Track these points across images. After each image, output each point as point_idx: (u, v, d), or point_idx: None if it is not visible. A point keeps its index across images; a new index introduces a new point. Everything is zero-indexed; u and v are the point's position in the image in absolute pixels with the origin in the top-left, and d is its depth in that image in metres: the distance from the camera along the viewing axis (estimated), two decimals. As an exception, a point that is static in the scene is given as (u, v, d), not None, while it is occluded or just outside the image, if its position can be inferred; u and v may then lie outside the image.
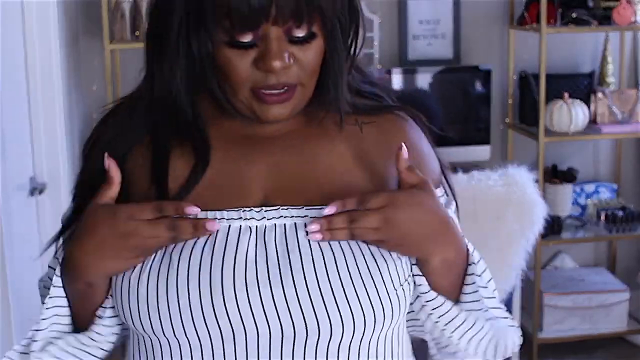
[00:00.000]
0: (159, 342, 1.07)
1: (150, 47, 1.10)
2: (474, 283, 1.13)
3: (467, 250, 1.13)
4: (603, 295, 3.82)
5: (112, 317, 1.12)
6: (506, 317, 1.19)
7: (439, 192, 1.17)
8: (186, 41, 1.05)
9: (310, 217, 1.07)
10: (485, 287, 1.16)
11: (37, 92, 2.76)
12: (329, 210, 1.05)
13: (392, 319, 1.08)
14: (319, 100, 1.12)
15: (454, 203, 1.20)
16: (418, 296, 1.12)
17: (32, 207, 2.75)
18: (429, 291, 1.11)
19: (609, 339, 3.93)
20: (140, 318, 1.05)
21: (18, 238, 2.42)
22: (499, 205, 2.96)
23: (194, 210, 1.04)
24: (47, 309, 1.09)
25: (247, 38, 1.02)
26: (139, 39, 3.35)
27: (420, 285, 1.11)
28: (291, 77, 1.04)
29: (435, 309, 1.13)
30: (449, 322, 1.13)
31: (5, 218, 2.17)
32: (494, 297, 1.18)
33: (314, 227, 1.04)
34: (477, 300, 1.13)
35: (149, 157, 1.10)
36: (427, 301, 1.12)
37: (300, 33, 1.03)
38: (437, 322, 1.14)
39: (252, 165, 1.10)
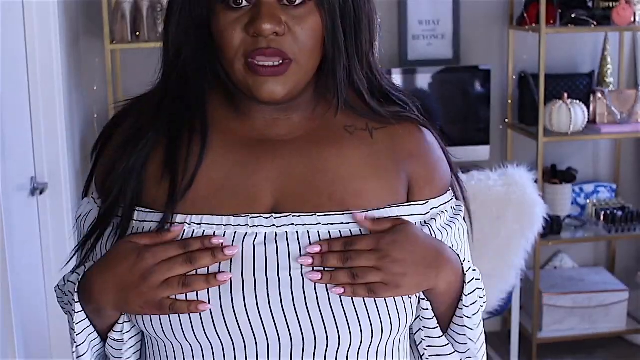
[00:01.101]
0: (172, 345, 1.08)
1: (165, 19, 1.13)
2: (462, 310, 1.13)
3: (463, 268, 1.13)
4: (602, 295, 3.83)
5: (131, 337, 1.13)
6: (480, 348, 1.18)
7: (448, 196, 1.18)
8: (188, 7, 1.07)
9: (322, 224, 1.07)
10: (473, 310, 1.14)
11: (38, 92, 2.76)
12: (312, 249, 1.05)
13: (399, 327, 1.09)
14: (325, 99, 1.13)
15: (463, 208, 1.20)
16: (419, 319, 1.13)
17: (33, 207, 2.75)
18: (432, 318, 1.12)
19: (608, 339, 3.93)
20: (151, 321, 1.06)
21: (19, 238, 2.42)
22: (499, 205, 2.97)
23: (219, 240, 1.05)
24: (78, 334, 1.10)
25: (239, 3, 1.04)
26: (140, 39, 3.36)
27: (426, 309, 1.11)
28: (285, 47, 1.04)
29: (430, 338, 1.14)
30: (435, 352, 1.15)
31: (6, 218, 2.17)
32: (478, 323, 1.16)
33: (307, 260, 1.04)
34: (463, 334, 1.13)
35: (164, 153, 1.11)
36: (426, 327, 1.13)
37: (294, 1, 1.04)
38: (425, 349, 1.15)
39: (261, 169, 1.10)
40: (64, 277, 1.20)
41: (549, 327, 3.81)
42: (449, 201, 1.17)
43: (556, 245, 4.06)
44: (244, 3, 1.04)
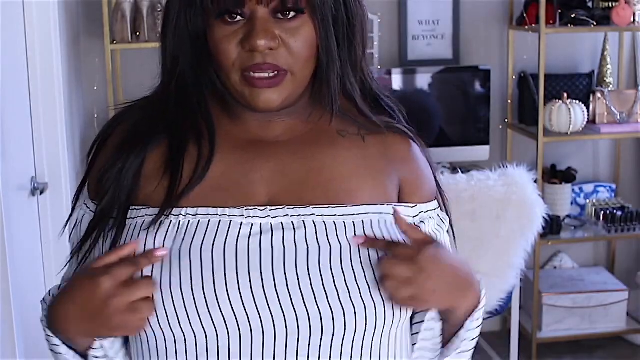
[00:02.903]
0: (163, 335, 1.08)
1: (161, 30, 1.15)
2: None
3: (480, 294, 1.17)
4: (602, 295, 3.83)
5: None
6: None
7: (434, 204, 1.20)
8: (184, 18, 1.09)
9: (317, 215, 1.08)
10: (473, 334, 1.18)
11: (38, 93, 2.77)
12: (357, 239, 1.08)
13: (392, 321, 1.09)
14: (320, 105, 1.14)
15: (448, 219, 1.23)
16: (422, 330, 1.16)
17: (33, 207, 2.75)
18: (437, 336, 1.16)
19: (608, 339, 3.94)
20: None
21: (19, 238, 2.42)
22: (499, 205, 2.97)
23: (163, 252, 1.06)
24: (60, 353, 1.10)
25: (234, 17, 1.06)
26: (140, 39, 3.36)
27: (431, 330, 1.15)
28: (279, 61, 1.06)
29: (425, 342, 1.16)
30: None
31: (6, 218, 2.18)
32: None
33: (359, 239, 1.07)
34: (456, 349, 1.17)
35: (164, 154, 1.12)
36: (424, 339, 1.16)
37: (288, 15, 1.06)
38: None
39: (256, 169, 1.12)
40: (49, 291, 1.20)
41: (549, 327, 3.81)
42: (435, 209, 1.21)
43: (556, 245, 4.07)
44: (239, 17, 1.06)
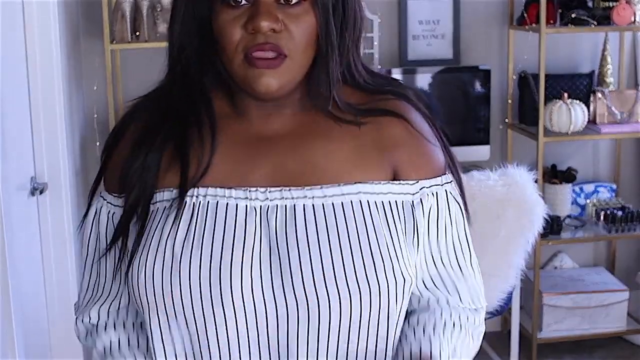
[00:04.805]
0: (170, 322, 1.13)
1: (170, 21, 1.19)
2: None
3: None
4: (602, 295, 3.83)
5: None
6: None
7: (442, 179, 1.21)
8: (191, 7, 1.13)
9: (308, 198, 1.12)
10: None
11: (38, 92, 2.77)
12: None
13: (388, 303, 1.13)
14: (315, 93, 1.17)
15: (460, 199, 1.25)
16: None
17: (32, 207, 2.75)
18: None
19: (608, 339, 3.94)
20: (154, 290, 1.11)
21: (19, 238, 2.42)
22: (499, 205, 2.97)
23: None
24: None
25: (238, 1, 1.10)
26: (139, 39, 3.36)
27: None
28: (281, 42, 1.10)
29: None
30: None
31: (6, 218, 2.18)
32: None
33: None
34: None
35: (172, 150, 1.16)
36: None
37: (290, 1, 1.10)
38: None
39: (259, 165, 1.16)
40: (87, 310, 1.24)
41: (549, 327, 3.81)
42: (443, 184, 1.21)
43: (556, 245, 4.07)
44: (243, 2, 1.10)
